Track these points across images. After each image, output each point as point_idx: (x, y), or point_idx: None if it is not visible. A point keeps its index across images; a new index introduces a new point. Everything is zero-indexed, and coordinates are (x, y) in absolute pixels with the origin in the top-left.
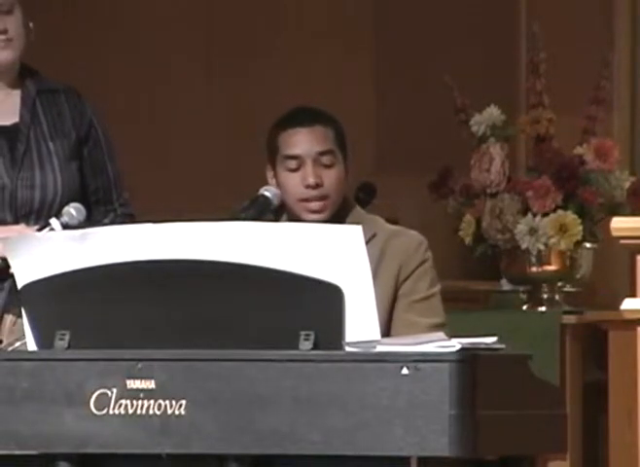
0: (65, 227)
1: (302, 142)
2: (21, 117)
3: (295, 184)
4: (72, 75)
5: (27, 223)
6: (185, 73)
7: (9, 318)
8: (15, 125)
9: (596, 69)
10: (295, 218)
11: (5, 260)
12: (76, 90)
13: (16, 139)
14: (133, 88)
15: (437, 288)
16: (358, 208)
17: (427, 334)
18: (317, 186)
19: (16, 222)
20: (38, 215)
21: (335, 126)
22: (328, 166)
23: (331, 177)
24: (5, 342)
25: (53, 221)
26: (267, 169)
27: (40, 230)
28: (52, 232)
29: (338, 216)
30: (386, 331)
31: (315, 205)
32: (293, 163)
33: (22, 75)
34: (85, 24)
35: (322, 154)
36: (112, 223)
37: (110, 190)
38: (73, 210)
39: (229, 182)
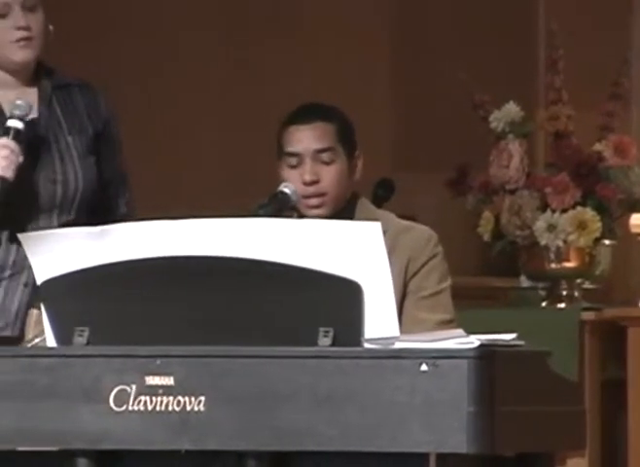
0: (23, 118)
1: (301, 139)
2: (40, 113)
3: (294, 181)
4: (84, 66)
5: (50, 217)
6: (201, 66)
7: (34, 312)
8: (33, 122)
9: (614, 66)
10: (301, 214)
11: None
12: (91, 86)
13: (35, 135)
14: (147, 77)
15: (446, 283)
16: (368, 203)
17: (446, 331)
18: (314, 183)
19: (37, 217)
20: (60, 210)
21: (338, 122)
22: (327, 163)
23: (330, 174)
24: (31, 336)
25: (13, 122)
26: (278, 165)
27: (62, 226)
28: (70, 228)
29: (347, 211)
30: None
31: (314, 201)
32: (293, 161)
33: (38, 73)
34: (98, 16)
35: (321, 151)
36: (124, 220)
37: (120, 189)
38: (19, 101)
39: (243, 178)
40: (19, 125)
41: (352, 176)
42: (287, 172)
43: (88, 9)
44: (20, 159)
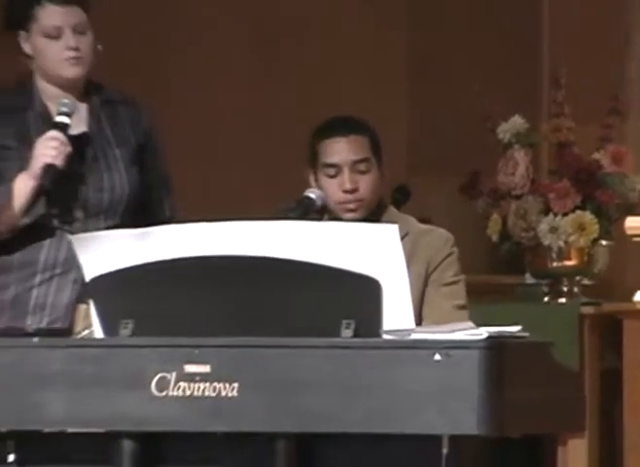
0: (69, 114)
1: (339, 151)
2: (90, 127)
3: (334, 189)
4: (132, 76)
5: (97, 221)
6: (232, 74)
7: (82, 307)
8: (83, 135)
9: (612, 82)
10: (335, 217)
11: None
12: (135, 101)
13: (85, 147)
14: (190, 90)
15: (461, 277)
16: (392, 209)
17: (458, 323)
18: (353, 191)
19: (86, 220)
20: (107, 214)
21: (370, 135)
22: (363, 172)
23: (366, 182)
24: (79, 328)
25: (61, 118)
26: (308, 172)
27: (109, 229)
28: (116, 230)
29: (374, 215)
30: (418, 313)
31: (351, 206)
32: (332, 171)
33: (87, 89)
34: (142, 34)
35: (358, 162)
36: (166, 222)
37: (162, 195)
38: (64, 99)
39: (272, 181)
40: (66, 119)
41: (382, 182)
42: (325, 180)
43: (132, 26)
44: (68, 149)
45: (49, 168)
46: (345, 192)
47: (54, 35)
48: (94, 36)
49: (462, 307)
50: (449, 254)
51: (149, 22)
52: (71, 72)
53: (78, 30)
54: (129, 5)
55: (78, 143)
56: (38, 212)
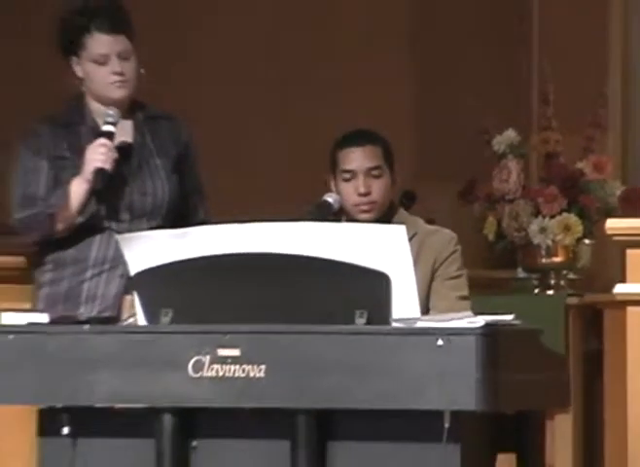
0: (115, 124)
1: (355, 159)
2: (135, 140)
3: (350, 192)
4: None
5: (141, 223)
6: (261, 89)
7: (128, 298)
8: (129, 146)
9: (594, 99)
10: (351, 218)
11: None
12: (174, 117)
13: (130, 157)
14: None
15: (464, 271)
16: (402, 211)
17: (458, 313)
18: (367, 194)
19: (132, 222)
20: (150, 217)
21: (383, 146)
22: (376, 178)
23: (378, 186)
24: (125, 317)
25: (107, 127)
26: (329, 177)
27: (151, 229)
28: (158, 230)
29: (386, 217)
30: (425, 303)
31: (365, 207)
32: (348, 176)
33: (132, 107)
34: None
35: (371, 169)
36: (201, 224)
37: (197, 200)
38: (109, 111)
39: (296, 186)
40: (112, 128)
41: (393, 187)
42: (343, 185)
43: (168, 45)
44: (115, 154)
45: (99, 171)
46: (360, 195)
47: (102, 61)
48: (137, 61)
49: (465, 298)
50: (454, 251)
51: (162, 29)
52: (117, 94)
53: (123, 56)
54: (146, 9)
55: (124, 153)
56: (90, 211)
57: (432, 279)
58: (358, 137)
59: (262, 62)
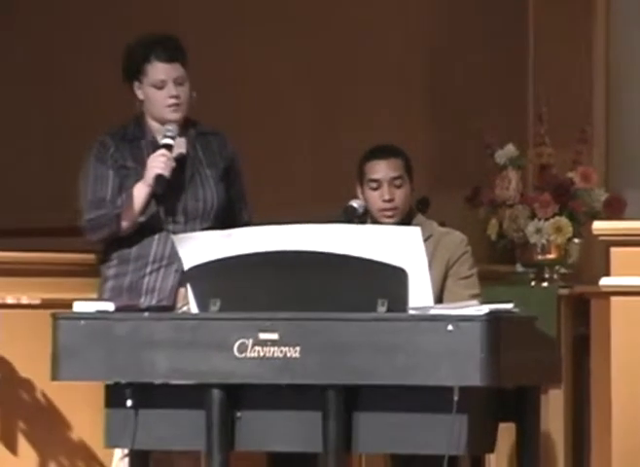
0: (173, 138)
1: (381, 170)
2: (188, 153)
3: (376, 199)
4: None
5: (194, 224)
6: (295, 110)
7: (182, 290)
8: (183, 158)
9: (582, 118)
10: (375, 221)
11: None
12: (222, 133)
13: (185, 168)
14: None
15: (474, 270)
16: (420, 215)
17: (466, 302)
18: (390, 201)
19: (186, 223)
20: (202, 219)
21: (404, 158)
22: (398, 186)
23: (400, 194)
24: (179, 305)
25: (167, 140)
26: (357, 186)
27: (202, 230)
28: (208, 231)
29: (406, 220)
30: (439, 296)
31: (389, 213)
32: (374, 184)
33: (185, 124)
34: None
35: (395, 178)
36: (245, 225)
37: (241, 205)
38: (169, 126)
39: (325, 193)
40: (171, 141)
41: (412, 195)
42: (369, 192)
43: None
44: (173, 164)
45: (159, 177)
46: (384, 201)
47: (160, 86)
48: (190, 86)
49: (476, 296)
50: (465, 252)
51: (205, 61)
52: (172, 116)
53: (178, 82)
54: (193, 43)
55: (180, 164)
56: (150, 212)
57: (446, 276)
58: (383, 151)
59: (294, 87)
